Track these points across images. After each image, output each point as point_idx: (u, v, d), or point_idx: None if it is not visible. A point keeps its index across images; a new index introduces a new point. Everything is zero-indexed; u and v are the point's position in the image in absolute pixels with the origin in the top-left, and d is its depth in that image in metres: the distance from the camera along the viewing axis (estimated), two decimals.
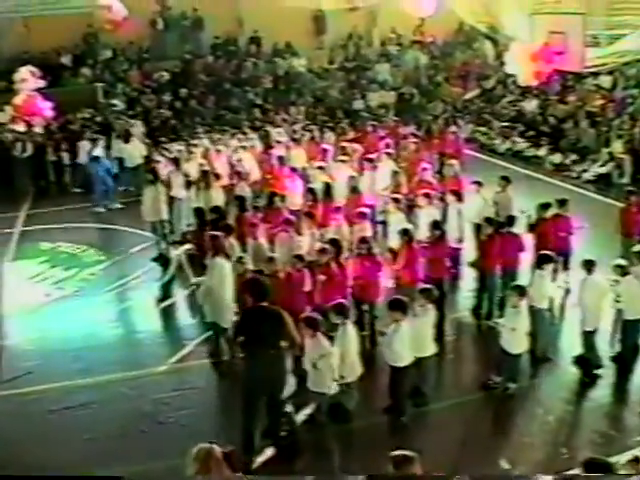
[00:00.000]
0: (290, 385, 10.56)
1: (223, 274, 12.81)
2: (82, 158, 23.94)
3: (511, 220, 14.40)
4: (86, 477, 10.11)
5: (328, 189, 16.45)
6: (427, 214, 15.14)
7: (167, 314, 15.64)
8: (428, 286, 11.87)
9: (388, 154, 19.40)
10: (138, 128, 25.90)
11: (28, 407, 12.23)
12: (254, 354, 10.22)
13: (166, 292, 16.00)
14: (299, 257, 12.97)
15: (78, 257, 18.74)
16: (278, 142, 21.95)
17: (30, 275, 17.76)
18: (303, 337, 10.34)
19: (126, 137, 24.21)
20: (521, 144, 26.55)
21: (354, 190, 16.75)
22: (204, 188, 17.60)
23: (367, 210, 15.76)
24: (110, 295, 16.68)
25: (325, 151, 20.04)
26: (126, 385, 12.68)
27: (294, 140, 22.13)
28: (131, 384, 12.71)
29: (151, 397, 12.23)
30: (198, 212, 16.05)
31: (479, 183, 16.34)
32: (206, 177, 17.85)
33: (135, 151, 23.83)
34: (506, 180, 16.73)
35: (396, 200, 15.86)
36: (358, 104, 30.19)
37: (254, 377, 10.20)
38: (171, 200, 18.44)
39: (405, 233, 13.61)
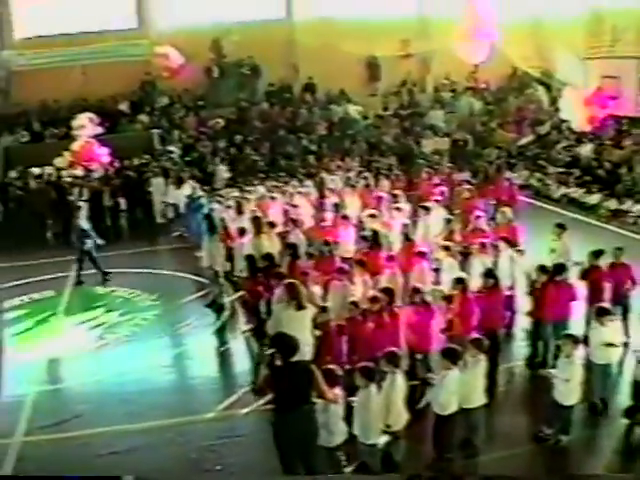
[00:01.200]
0: (341, 433, 10.42)
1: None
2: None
3: (561, 268, 14.17)
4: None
5: (376, 237, 16.40)
6: (481, 262, 14.99)
7: (218, 361, 15.65)
8: (479, 336, 11.69)
9: (437, 201, 19.31)
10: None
11: (76, 451, 12.28)
12: (285, 412, 10.08)
13: (221, 338, 16.08)
14: (354, 304, 12.96)
15: (132, 302, 18.88)
16: (332, 189, 21.97)
17: (85, 319, 17.94)
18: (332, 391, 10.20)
19: (179, 182, 24.35)
20: (577, 190, 26.24)
21: (407, 238, 16.67)
22: (255, 235, 17.65)
23: (426, 250, 15.73)
24: (162, 340, 16.79)
25: (380, 198, 20.01)
26: (173, 431, 12.64)
27: (350, 187, 22.14)
28: (179, 430, 12.67)
29: (198, 444, 12.18)
30: (249, 259, 16.07)
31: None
32: (257, 224, 17.91)
33: None
34: (561, 227, 16.45)
35: (447, 248, 15.75)
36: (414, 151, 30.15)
37: (287, 435, 10.09)
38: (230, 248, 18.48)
39: (459, 282, 13.47)
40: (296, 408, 9.86)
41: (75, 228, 20.40)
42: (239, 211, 20.02)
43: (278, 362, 9.88)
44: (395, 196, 20.29)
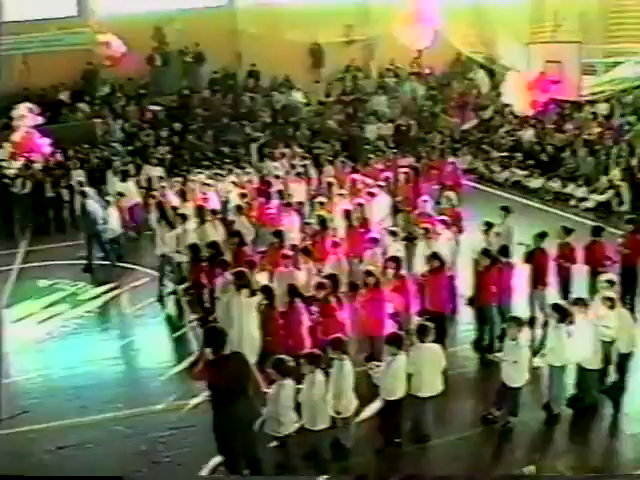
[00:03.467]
0: (291, 423, 10.44)
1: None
2: None
3: (505, 251, 14.36)
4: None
5: (323, 223, 16.46)
6: (425, 246, 15.12)
7: (166, 351, 15.60)
8: (425, 322, 11.78)
9: (381, 187, 19.41)
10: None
11: (25, 446, 12.17)
12: (223, 403, 10.02)
13: (169, 328, 16.19)
14: (295, 290, 12.99)
15: (76, 294, 18.70)
16: (277, 177, 21.97)
17: (29, 313, 17.71)
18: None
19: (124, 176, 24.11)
20: (519, 173, 26.55)
21: (351, 224, 16.75)
22: (199, 223, 17.59)
23: (377, 236, 15.84)
24: (109, 332, 16.69)
25: (323, 184, 20.12)
26: (123, 424, 12.58)
27: (294, 174, 22.20)
28: (128, 422, 12.60)
29: (148, 436, 12.14)
30: (193, 248, 15.99)
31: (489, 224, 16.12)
32: (201, 212, 17.87)
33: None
34: (506, 210, 16.63)
35: (393, 233, 15.88)
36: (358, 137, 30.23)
37: (225, 428, 10.05)
38: None
39: (395, 261, 13.67)
40: (233, 400, 9.84)
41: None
42: (183, 199, 19.98)
43: (210, 357, 9.86)
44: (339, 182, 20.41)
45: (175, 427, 12.39)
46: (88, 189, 21.17)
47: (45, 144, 24.28)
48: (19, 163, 24.32)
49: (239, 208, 18.63)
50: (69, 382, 14.23)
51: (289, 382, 10.25)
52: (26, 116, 24.14)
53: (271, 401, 10.23)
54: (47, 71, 28.82)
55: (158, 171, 25.03)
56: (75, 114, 29.84)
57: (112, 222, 20.27)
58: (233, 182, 21.60)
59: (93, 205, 20.25)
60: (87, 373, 14.55)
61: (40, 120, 24.41)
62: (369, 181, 20.67)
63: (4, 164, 24.68)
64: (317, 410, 10.48)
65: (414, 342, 11.44)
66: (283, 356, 10.47)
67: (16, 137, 23.91)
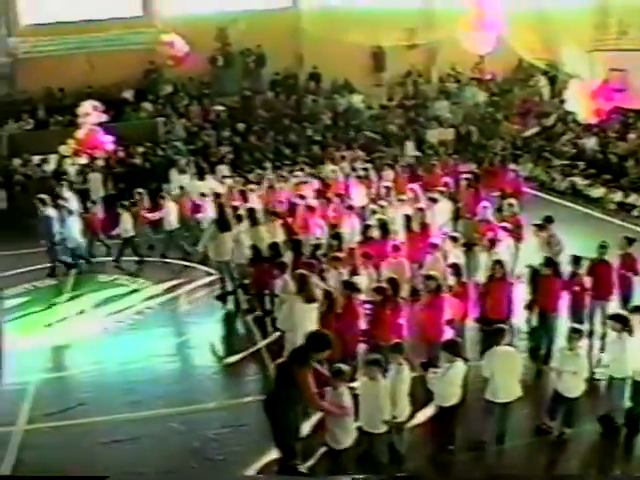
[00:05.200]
0: (353, 434, 10.39)
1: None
2: None
3: (550, 262, 14.12)
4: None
5: (384, 227, 16.36)
6: (486, 254, 14.98)
7: (221, 349, 15.66)
8: (502, 326, 11.65)
9: (442, 192, 19.27)
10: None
11: (79, 439, 12.30)
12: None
13: (225, 327, 16.24)
14: (351, 285, 13.01)
15: (136, 290, 18.89)
16: (336, 180, 21.98)
17: (88, 307, 17.97)
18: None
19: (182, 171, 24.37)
20: (581, 182, 26.16)
21: (412, 228, 16.64)
22: (251, 225, 17.60)
23: (438, 241, 15.68)
24: (166, 329, 16.82)
25: (385, 189, 20.02)
26: (176, 420, 12.63)
27: (355, 177, 22.16)
28: (182, 419, 12.66)
29: (201, 433, 12.17)
30: (254, 249, 16.04)
31: (540, 226, 16.02)
32: (253, 215, 17.82)
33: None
34: (549, 221, 16.38)
35: (454, 239, 15.73)
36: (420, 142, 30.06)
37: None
38: None
39: (456, 270, 13.55)
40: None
41: None
42: (244, 199, 20.05)
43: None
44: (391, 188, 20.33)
45: (228, 425, 12.42)
46: (46, 196, 20.93)
47: (108, 141, 24.56)
48: (82, 159, 24.63)
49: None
50: (124, 377, 14.35)
51: (345, 389, 10.19)
52: (90, 114, 24.44)
53: (331, 406, 10.15)
54: (111, 70, 29.13)
55: (225, 170, 25.13)
56: (138, 112, 30.16)
57: (73, 231, 20.33)
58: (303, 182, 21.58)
59: (51, 213, 20.21)
60: (142, 369, 14.68)
61: (104, 118, 24.70)
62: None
63: (68, 160, 24.99)
64: (375, 414, 10.39)
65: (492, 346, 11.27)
66: (342, 365, 10.41)
67: (80, 134, 24.22)
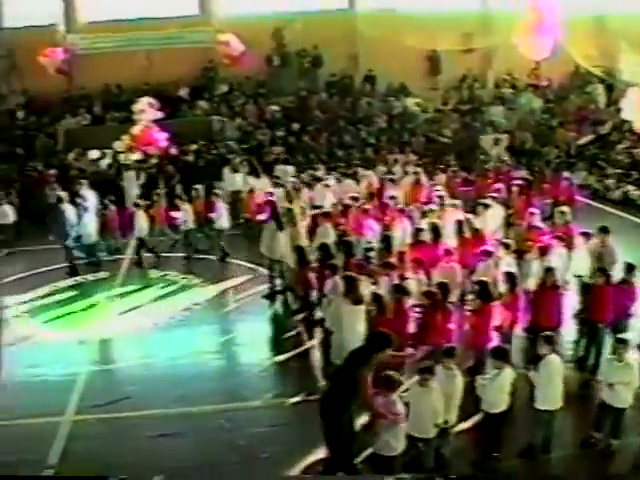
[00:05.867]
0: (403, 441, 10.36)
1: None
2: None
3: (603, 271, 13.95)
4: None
5: (436, 230, 16.30)
6: (538, 261, 14.85)
7: (268, 348, 15.69)
8: (550, 333, 11.53)
9: (494, 198, 19.13)
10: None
11: (126, 431, 12.46)
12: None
13: (273, 326, 16.33)
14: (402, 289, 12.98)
15: (185, 286, 19.03)
16: (392, 180, 21.99)
17: (137, 301, 18.15)
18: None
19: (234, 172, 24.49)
20: (635, 192, 25.82)
21: (464, 233, 16.56)
22: (292, 225, 17.52)
23: (491, 248, 15.57)
24: (213, 326, 16.93)
25: (433, 193, 19.93)
26: (223, 417, 12.69)
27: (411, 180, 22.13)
28: (228, 416, 12.72)
29: (247, 431, 12.20)
30: (298, 249, 16.06)
31: (587, 234, 15.89)
32: (291, 215, 17.73)
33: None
34: (604, 231, 16.14)
35: (507, 246, 15.61)
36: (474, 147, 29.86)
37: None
38: None
39: (510, 278, 13.43)
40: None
41: None
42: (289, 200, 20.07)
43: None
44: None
45: (274, 424, 12.45)
46: (63, 193, 21.31)
47: (162, 138, 24.77)
48: (136, 155, 24.86)
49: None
50: (171, 372, 14.48)
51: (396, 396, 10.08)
52: (146, 110, 24.71)
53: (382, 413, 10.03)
54: (168, 67, 29.37)
55: (289, 170, 25.25)
56: (194, 111, 30.38)
57: (88, 229, 20.61)
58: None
59: (68, 210, 20.46)
60: (190, 365, 14.78)
61: (159, 115, 24.93)
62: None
63: (121, 156, 25.25)
64: (427, 419, 10.33)
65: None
66: (392, 372, 10.34)
67: (135, 130, 24.47)
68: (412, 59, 31.48)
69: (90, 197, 22.07)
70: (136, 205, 21.05)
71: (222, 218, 20.82)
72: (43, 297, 18.70)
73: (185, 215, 20.89)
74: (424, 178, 22.37)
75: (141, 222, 20.55)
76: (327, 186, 21.46)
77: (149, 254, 20.79)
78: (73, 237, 20.33)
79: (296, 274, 16.16)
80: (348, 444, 10.19)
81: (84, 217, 20.64)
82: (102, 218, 21.56)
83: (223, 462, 11.36)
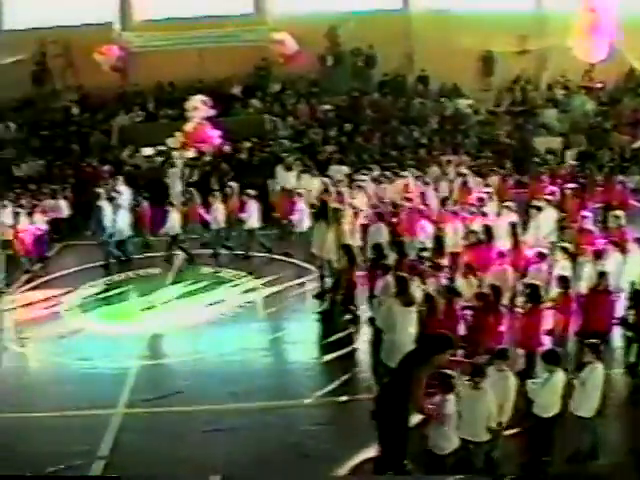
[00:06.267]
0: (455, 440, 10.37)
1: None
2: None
3: None
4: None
5: (489, 232, 16.24)
6: (591, 265, 14.72)
7: (318, 347, 15.70)
8: (595, 341, 11.42)
9: (548, 201, 18.99)
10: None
11: (176, 426, 12.58)
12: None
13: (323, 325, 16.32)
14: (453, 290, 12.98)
15: (236, 283, 19.15)
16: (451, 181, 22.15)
17: (189, 298, 18.31)
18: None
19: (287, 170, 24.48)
20: None
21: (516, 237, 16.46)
22: (337, 225, 17.41)
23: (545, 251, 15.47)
24: (264, 323, 17.05)
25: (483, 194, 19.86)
26: (273, 414, 12.77)
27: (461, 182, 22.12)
28: (279, 413, 12.81)
29: (297, 429, 12.26)
30: (346, 248, 16.10)
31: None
32: (337, 214, 17.59)
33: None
34: None
35: (564, 249, 15.49)
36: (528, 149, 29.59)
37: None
38: None
39: (563, 282, 13.33)
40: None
41: None
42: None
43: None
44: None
45: (323, 422, 12.51)
46: (101, 189, 21.76)
47: (215, 136, 24.94)
48: (189, 153, 25.05)
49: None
50: (222, 368, 14.60)
51: (452, 397, 10.11)
52: (199, 108, 24.93)
53: (434, 414, 10.09)
54: (222, 65, 29.56)
55: (343, 170, 25.21)
56: (247, 109, 30.51)
57: (121, 225, 20.89)
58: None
59: (104, 205, 20.82)
60: (240, 361, 14.90)
61: (212, 112, 25.10)
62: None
63: (175, 153, 25.46)
64: (479, 422, 10.28)
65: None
66: (448, 371, 10.34)
67: (188, 127, 24.70)
68: (465, 60, 31.22)
69: (125, 193, 22.43)
70: (170, 203, 21.25)
71: (252, 218, 20.88)
72: (96, 291, 18.99)
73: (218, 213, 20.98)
74: (473, 180, 22.26)
75: (174, 220, 20.71)
76: (379, 184, 21.64)
77: (180, 252, 20.92)
78: (108, 233, 20.65)
79: (342, 273, 16.19)
80: (402, 444, 10.19)
81: (118, 213, 20.98)
82: (135, 214, 21.80)
83: (273, 459, 11.40)
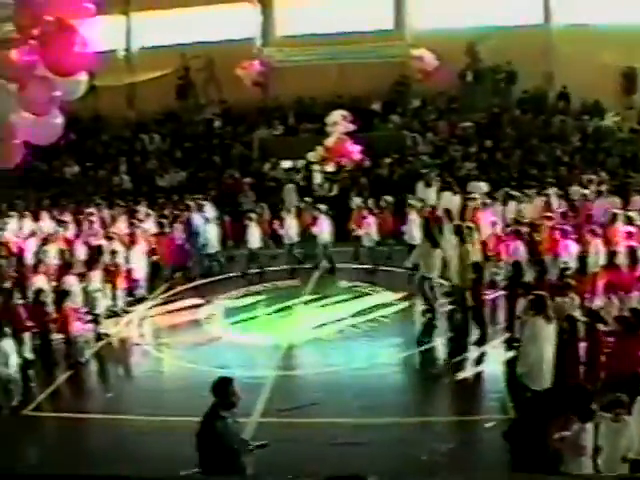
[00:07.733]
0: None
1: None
2: None
3: None
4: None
5: (634, 255, 15.77)
6: None
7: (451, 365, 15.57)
8: None
9: None
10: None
11: (309, 437, 12.67)
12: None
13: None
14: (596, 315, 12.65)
15: (373, 298, 19.22)
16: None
17: (325, 310, 18.52)
18: None
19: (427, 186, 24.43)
20: None
21: None
22: (460, 244, 16.90)
23: None
24: (398, 339, 17.01)
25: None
26: (405, 430, 12.76)
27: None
28: (410, 430, 12.79)
29: (430, 447, 12.08)
30: (476, 267, 16.00)
31: None
32: (460, 232, 17.07)
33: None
34: None
35: None
36: None
37: None
38: None
39: None
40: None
41: None
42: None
43: None
44: None
45: (457, 441, 12.41)
46: (192, 202, 22.24)
47: (356, 151, 25.12)
48: (329, 167, 25.35)
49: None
50: (355, 382, 14.64)
51: (590, 426, 9.66)
52: (339, 123, 25.15)
53: (569, 444, 9.67)
54: (361, 81, 29.70)
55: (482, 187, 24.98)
56: (386, 124, 30.61)
57: (209, 238, 21.27)
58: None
59: (197, 220, 21.23)
60: (374, 376, 14.92)
61: (352, 127, 25.30)
62: None
63: (315, 167, 25.80)
64: (619, 455, 9.78)
65: None
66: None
67: (329, 142, 24.95)
68: (608, 76, 30.52)
69: (209, 207, 22.98)
70: (249, 218, 21.65)
71: (324, 232, 21.14)
72: (235, 301, 19.41)
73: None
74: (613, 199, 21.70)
75: (253, 234, 21.24)
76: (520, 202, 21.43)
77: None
78: (200, 245, 21.29)
79: (469, 292, 16.02)
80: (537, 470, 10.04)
81: (206, 226, 21.56)
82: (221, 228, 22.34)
83: (403, 475, 11.35)
